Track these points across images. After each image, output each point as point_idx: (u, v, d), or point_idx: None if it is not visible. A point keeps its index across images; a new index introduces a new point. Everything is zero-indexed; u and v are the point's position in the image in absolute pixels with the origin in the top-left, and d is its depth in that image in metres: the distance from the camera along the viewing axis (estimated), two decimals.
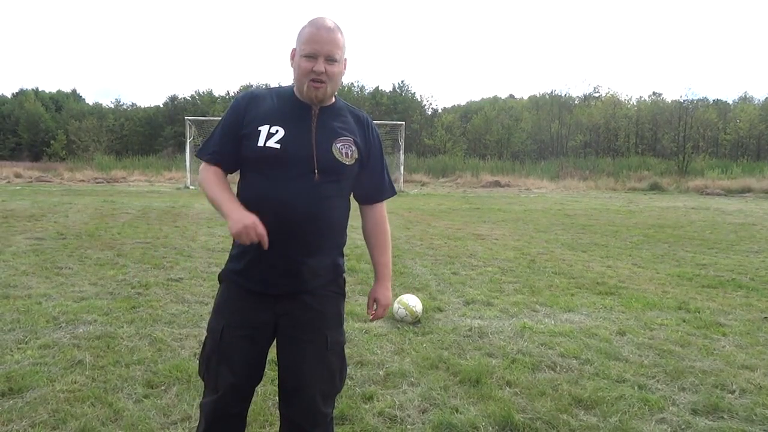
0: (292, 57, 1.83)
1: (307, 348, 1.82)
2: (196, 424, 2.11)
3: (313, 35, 1.76)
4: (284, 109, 1.82)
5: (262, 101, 1.85)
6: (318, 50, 1.75)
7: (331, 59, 1.77)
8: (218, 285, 1.95)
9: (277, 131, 1.77)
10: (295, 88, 1.86)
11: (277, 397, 2.00)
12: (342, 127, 1.85)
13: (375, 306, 2.04)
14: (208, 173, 1.86)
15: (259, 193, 1.78)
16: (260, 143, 1.76)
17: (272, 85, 2.00)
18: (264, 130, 1.78)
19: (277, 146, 1.76)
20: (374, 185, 1.97)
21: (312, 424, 1.83)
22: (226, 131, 1.86)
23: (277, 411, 1.99)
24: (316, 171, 1.77)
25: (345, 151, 1.82)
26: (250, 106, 1.84)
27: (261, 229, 1.67)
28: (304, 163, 1.76)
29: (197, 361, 2.03)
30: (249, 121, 1.81)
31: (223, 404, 1.85)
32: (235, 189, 1.86)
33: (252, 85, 51.99)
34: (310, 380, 1.82)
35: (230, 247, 1.89)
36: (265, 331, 1.83)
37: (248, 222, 1.66)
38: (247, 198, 1.80)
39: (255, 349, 1.84)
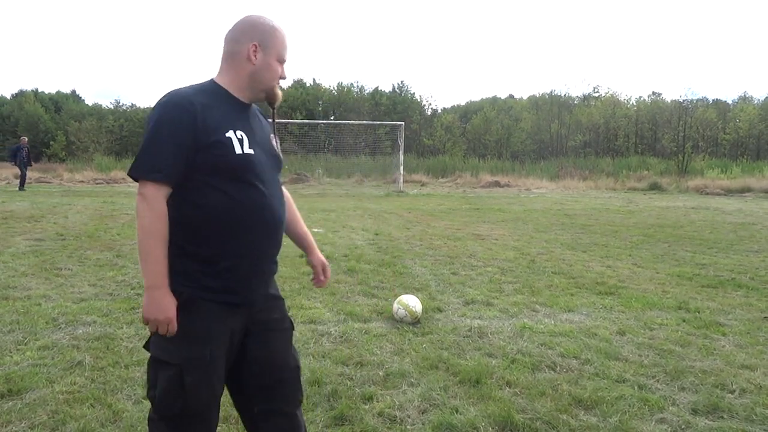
0: (254, 52, 1.69)
1: (285, 333, 1.87)
2: None
3: (285, 41, 1.76)
4: (232, 111, 1.69)
5: (208, 104, 1.64)
6: (287, 57, 1.78)
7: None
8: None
9: (242, 136, 1.66)
10: (237, 85, 1.71)
11: None
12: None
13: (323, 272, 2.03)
14: (158, 207, 1.62)
15: (246, 204, 1.65)
16: (238, 150, 1.63)
17: None
18: (232, 136, 1.63)
19: (251, 151, 1.66)
20: None
21: (296, 404, 1.87)
22: (181, 144, 1.58)
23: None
24: (278, 170, 1.82)
25: (276, 143, 1.85)
26: (204, 113, 1.61)
27: (173, 328, 1.60)
28: (272, 164, 1.78)
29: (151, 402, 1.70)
30: (212, 129, 1.61)
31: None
32: (183, 207, 1.65)
33: None
34: (295, 363, 1.87)
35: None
36: (237, 340, 1.75)
37: (168, 316, 1.59)
38: (229, 212, 1.64)
39: (227, 364, 1.74)
